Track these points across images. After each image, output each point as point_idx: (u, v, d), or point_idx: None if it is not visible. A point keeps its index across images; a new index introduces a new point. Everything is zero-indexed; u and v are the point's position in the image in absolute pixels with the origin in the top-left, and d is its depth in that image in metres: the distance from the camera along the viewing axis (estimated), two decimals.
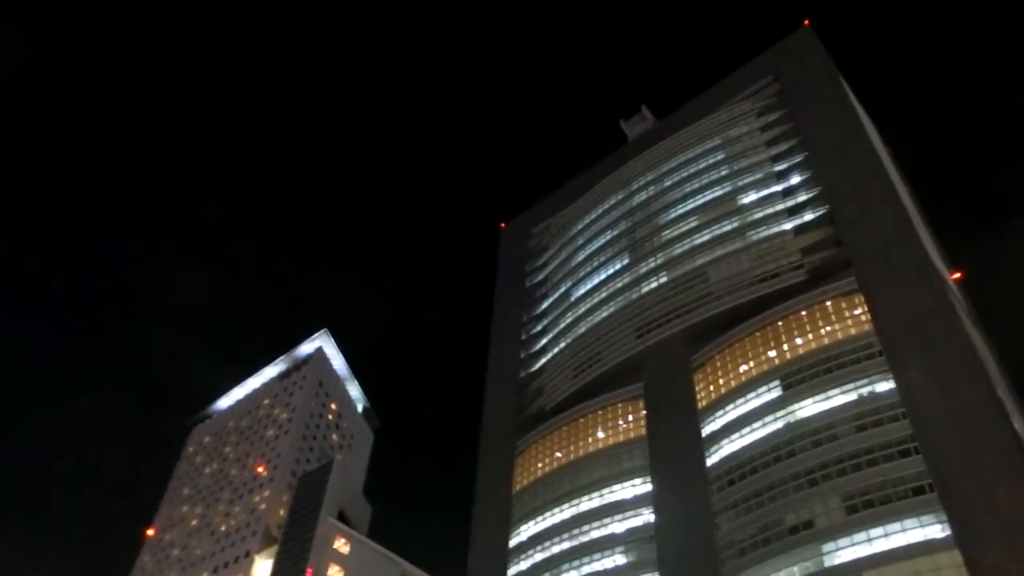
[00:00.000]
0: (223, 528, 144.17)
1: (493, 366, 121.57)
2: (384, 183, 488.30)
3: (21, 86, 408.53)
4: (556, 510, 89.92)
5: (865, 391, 73.81)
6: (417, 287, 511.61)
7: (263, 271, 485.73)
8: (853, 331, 79.33)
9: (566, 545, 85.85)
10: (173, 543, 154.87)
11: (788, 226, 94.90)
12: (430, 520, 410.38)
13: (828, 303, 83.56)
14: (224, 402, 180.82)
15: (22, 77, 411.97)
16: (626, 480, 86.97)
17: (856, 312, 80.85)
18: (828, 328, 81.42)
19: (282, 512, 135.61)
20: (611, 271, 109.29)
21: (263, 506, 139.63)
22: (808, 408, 75.91)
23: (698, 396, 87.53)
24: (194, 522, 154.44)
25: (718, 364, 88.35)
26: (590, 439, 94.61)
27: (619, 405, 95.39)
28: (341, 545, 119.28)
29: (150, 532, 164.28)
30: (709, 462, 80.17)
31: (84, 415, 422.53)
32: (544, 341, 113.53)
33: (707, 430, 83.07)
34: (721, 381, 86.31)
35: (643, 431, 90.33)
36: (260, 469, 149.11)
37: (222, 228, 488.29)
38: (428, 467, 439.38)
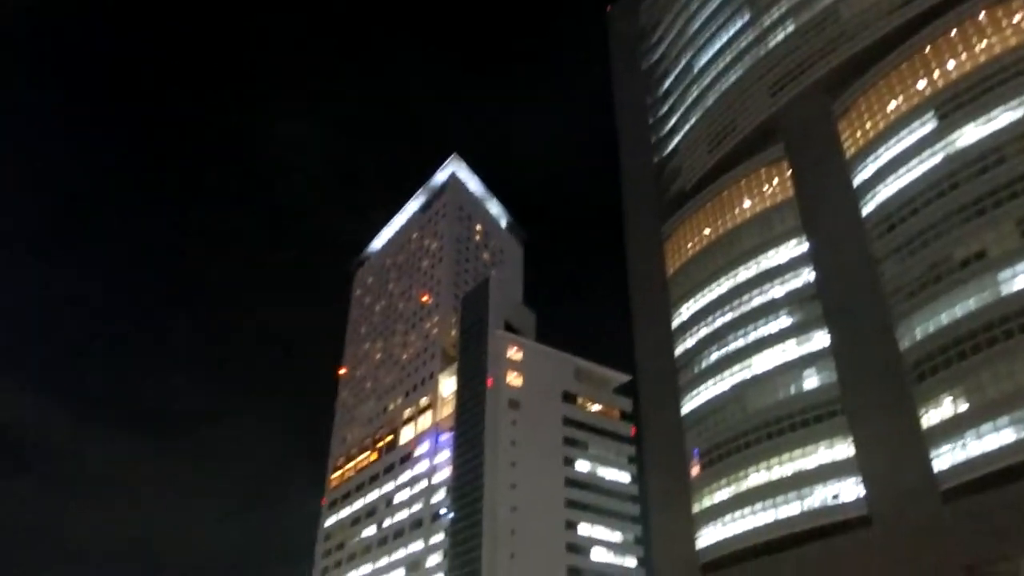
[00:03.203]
0: (404, 356, 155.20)
1: (626, 156, 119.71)
2: None
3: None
4: (713, 285, 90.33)
5: None
6: (533, 94, 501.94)
7: (381, 114, 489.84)
8: (1013, 41, 71.48)
9: (728, 316, 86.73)
10: (364, 377, 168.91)
11: None
12: (591, 316, 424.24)
13: (981, 15, 75.12)
14: (377, 243, 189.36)
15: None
16: (780, 243, 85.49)
17: (1016, 19, 72.41)
18: (984, 44, 73.71)
19: (453, 333, 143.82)
20: (732, 32, 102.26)
21: (435, 331, 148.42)
22: (969, 135, 70.50)
23: (845, 145, 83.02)
24: (378, 356, 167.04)
25: (863, 107, 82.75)
26: (737, 210, 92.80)
27: (762, 170, 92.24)
28: (514, 353, 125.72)
29: (342, 372, 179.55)
30: (865, 211, 77.13)
31: (257, 282, 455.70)
32: (673, 120, 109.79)
33: (859, 178, 79.32)
34: (868, 125, 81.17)
35: (790, 192, 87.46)
36: (424, 298, 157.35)
37: (334, 81, 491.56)
38: (579, 267, 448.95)
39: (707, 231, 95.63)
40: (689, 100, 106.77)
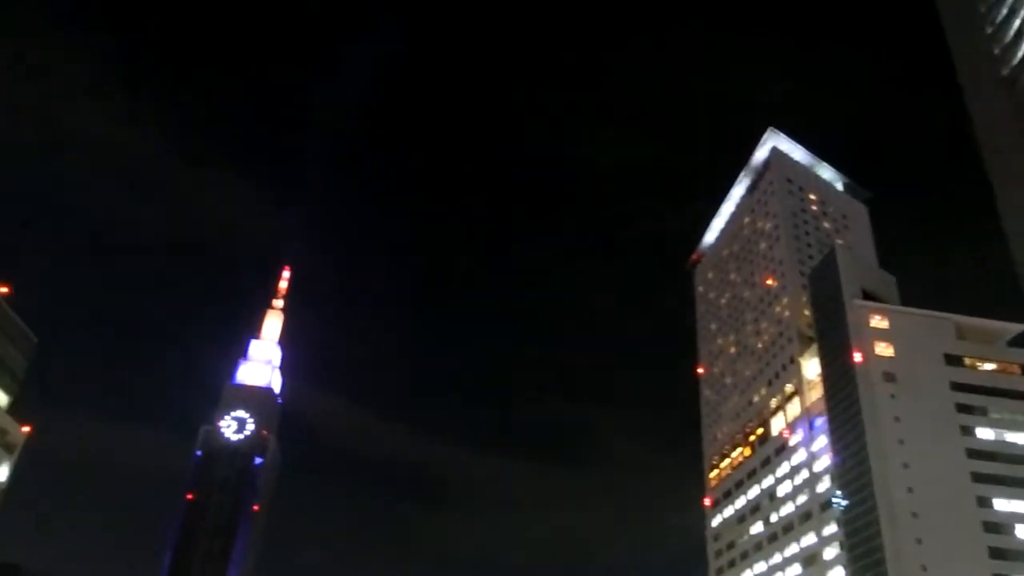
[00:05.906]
0: (760, 345, 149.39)
1: (966, 75, 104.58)
2: None
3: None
4: None
5: None
6: (842, 44, 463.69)
7: (679, 107, 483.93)
8: None
9: None
10: (723, 373, 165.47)
11: None
12: (962, 267, 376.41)
13: None
14: (709, 237, 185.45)
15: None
16: None
17: None
18: None
19: (806, 312, 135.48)
20: None
21: (786, 313, 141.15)
22: None
23: None
24: (732, 349, 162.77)
25: None
26: None
27: None
28: (878, 321, 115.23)
29: (700, 370, 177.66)
30: None
31: (601, 299, 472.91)
32: (1019, 21, 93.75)
33: None
34: None
35: None
36: (769, 281, 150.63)
37: (643, 82, 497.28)
38: (938, 216, 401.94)
39: None
40: None
